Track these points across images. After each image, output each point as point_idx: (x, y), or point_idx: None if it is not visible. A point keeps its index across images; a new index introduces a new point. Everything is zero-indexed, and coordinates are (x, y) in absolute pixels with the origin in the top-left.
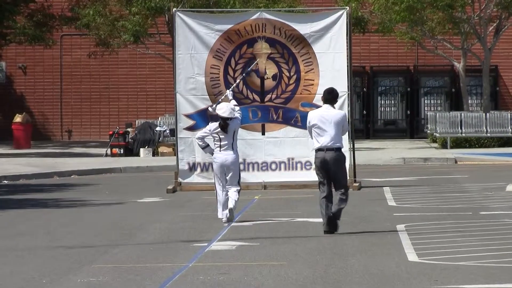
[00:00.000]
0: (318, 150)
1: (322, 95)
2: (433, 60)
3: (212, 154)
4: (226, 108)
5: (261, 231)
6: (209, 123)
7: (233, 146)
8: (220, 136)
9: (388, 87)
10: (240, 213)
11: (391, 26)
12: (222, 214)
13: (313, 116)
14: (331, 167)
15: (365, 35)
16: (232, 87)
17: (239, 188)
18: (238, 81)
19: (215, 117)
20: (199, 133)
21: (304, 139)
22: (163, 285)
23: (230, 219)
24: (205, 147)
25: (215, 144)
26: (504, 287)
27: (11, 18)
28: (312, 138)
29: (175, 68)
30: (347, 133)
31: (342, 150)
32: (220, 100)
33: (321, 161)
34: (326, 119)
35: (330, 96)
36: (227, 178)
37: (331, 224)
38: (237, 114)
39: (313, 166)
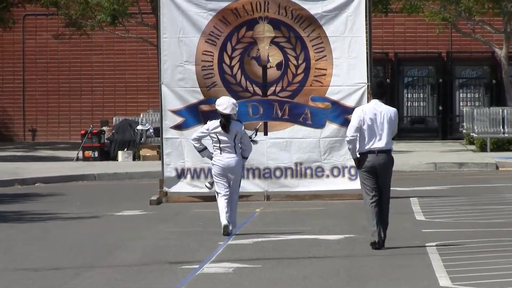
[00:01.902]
0: (369, 152)
1: (371, 88)
2: (469, 46)
3: (211, 158)
4: (227, 103)
5: (263, 250)
6: (207, 122)
7: (235, 149)
8: (220, 138)
9: (416, 77)
10: (238, 229)
11: (420, 4)
12: (226, 218)
13: (362, 113)
14: (382, 172)
15: (388, 16)
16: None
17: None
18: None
19: (208, 114)
20: (195, 133)
21: (314, 140)
22: None
23: (226, 233)
24: (202, 150)
25: (214, 146)
26: None
27: None
28: (348, 134)
29: (160, 54)
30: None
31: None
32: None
33: (372, 166)
34: (378, 117)
35: (380, 91)
36: (230, 182)
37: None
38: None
39: (356, 172)
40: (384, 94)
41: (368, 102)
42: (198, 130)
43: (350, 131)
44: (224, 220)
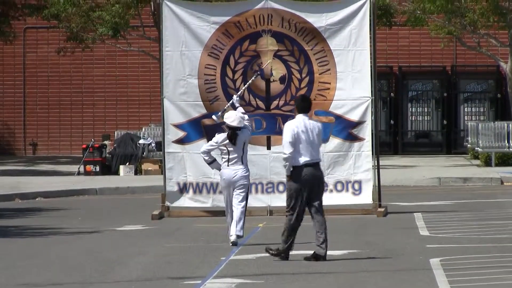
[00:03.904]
0: (305, 166)
1: (295, 103)
2: (474, 60)
3: (220, 170)
4: (234, 116)
5: (266, 265)
6: (216, 135)
7: (242, 160)
8: (229, 149)
9: (420, 91)
10: (240, 245)
11: (424, 17)
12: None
13: (296, 128)
14: (317, 184)
15: (392, 29)
16: (239, 93)
17: (244, 208)
18: (243, 88)
19: (211, 128)
20: (205, 146)
21: None
22: None
23: (235, 243)
24: (212, 162)
25: (222, 158)
26: None
27: None
28: (286, 152)
29: (162, 68)
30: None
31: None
32: (225, 107)
33: (308, 179)
34: (309, 130)
35: (305, 105)
36: (235, 194)
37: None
38: (247, 123)
39: (293, 187)
40: (309, 108)
41: (372, 116)
42: (207, 144)
43: (287, 148)
44: (232, 238)
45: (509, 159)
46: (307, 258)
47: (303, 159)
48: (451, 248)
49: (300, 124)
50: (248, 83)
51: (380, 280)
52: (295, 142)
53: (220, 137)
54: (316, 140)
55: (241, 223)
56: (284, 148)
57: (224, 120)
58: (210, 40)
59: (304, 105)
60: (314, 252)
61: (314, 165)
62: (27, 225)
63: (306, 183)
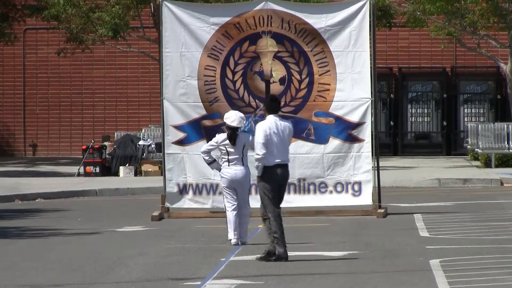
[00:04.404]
0: (277, 166)
1: (265, 104)
2: (474, 61)
3: (220, 170)
4: (234, 116)
5: (266, 267)
6: (216, 135)
7: (243, 161)
8: (228, 149)
9: (420, 93)
10: (240, 245)
11: (424, 18)
12: (234, 235)
13: (268, 129)
14: (284, 184)
15: (392, 30)
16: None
17: (250, 209)
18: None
19: (211, 129)
20: (205, 146)
21: (318, 156)
22: None
23: (243, 242)
24: (212, 162)
25: (222, 158)
26: None
27: None
28: (259, 153)
29: (162, 69)
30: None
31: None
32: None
33: (279, 179)
34: (280, 131)
35: (275, 105)
36: (238, 195)
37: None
38: (246, 128)
39: (265, 187)
40: (278, 108)
41: (372, 118)
42: (207, 144)
43: (260, 149)
44: (233, 239)
45: (509, 160)
46: (260, 259)
47: (275, 160)
48: (451, 249)
49: (272, 125)
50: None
51: (380, 281)
52: (267, 143)
53: (220, 137)
54: (286, 141)
55: (245, 227)
56: (256, 149)
57: (224, 120)
58: (210, 41)
59: (273, 106)
60: (269, 250)
61: (285, 166)
62: (27, 226)
63: (276, 184)
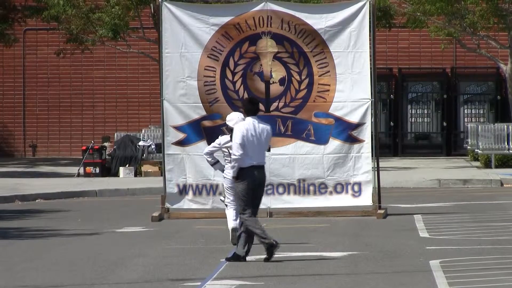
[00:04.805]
0: (253, 168)
1: (243, 106)
2: (474, 62)
3: (223, 171)
4: (236, 118)
5: (265, 267)
6: (219, 136)
7: None
8: (230, 151)
9: (420, 93)
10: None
11: (424, 19)
12: (234, 221)
13: (245, 130)
14: (262, 186)
15: (392, 31)
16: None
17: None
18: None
19: (210, 130)
20: (208, 148)
21: (318, 156)
22: None
23: (235, 238)
24: (215, 163)
25: (225, 159)
26: None
27: None
28: (236, 153)
29: (162, 70)
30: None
31: None
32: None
33: (255, 180)
34: (258, 133)
35: (254, 107)
36: None
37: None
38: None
39: (240, 188)
40: (257, 110)
41: (372, 118)
42: (210, 145)
43: (237, 149)
44: (232, 224)
45: (509, 161)
46: (228, 259)
47: (250, 162)
48: (451, 249)
49: (250, 127)
50: None
51: (380, 282)
52: (245, 144)
53: (223, 139)
54: (264, 143)
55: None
56: (233, 149)
57: (226, 122)
58: (209, 42)
59: (251, 108)
60: (267, 246)
61: (260, 168)
62: (27, 227)
63: (252, 185)
